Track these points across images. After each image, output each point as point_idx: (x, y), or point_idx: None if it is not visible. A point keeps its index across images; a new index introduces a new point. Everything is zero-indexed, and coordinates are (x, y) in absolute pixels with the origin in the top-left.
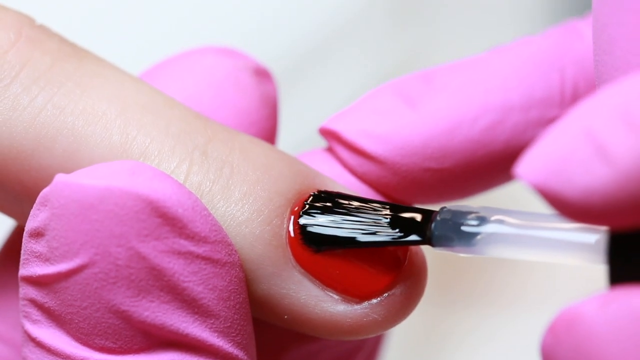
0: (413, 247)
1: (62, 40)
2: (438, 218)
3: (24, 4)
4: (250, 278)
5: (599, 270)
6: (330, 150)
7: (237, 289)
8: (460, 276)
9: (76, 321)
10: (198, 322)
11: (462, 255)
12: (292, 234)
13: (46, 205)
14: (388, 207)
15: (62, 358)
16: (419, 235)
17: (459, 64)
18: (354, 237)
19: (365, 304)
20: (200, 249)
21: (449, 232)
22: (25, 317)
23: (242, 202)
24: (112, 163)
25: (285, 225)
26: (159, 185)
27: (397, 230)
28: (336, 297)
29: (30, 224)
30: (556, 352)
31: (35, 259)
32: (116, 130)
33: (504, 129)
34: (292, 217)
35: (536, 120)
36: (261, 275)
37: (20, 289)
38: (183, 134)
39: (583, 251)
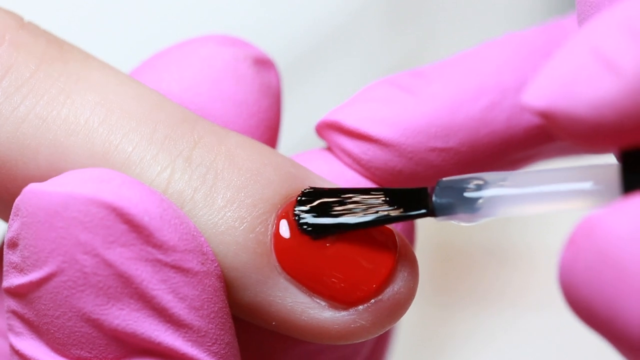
0: (402, 250)
1: (49, 41)
2: (437, 189)
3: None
4: (236, 286)
5: None
6: (328, 149)
7: (210, 298)
8: (460, 277)
9: (52, 331)
10: (170, 330)
11: (464, 224)
12: (283, 234)
13: (18, 215)
14: (382, 190)
15: None
16: (420, 208)
17: (448, 59)
18: (355, 221)
19: (352, 310)
20: (168, 258)
21: (450, 200)
22: (10, 329)
23: (225, 210)
24: (82, 170)
25: (269, 232)
26: (126, 192)
27: (395, 207)
28: (323, 303)
29: (7, 235)
30: (577, 262)
31: (12, 270)
32: (98, 139)
33: (503, 108)
34: (280, 221)
35: None
36: (246, 283)
37: (5, 302)
38: (167, 140)
39: (582, 197)
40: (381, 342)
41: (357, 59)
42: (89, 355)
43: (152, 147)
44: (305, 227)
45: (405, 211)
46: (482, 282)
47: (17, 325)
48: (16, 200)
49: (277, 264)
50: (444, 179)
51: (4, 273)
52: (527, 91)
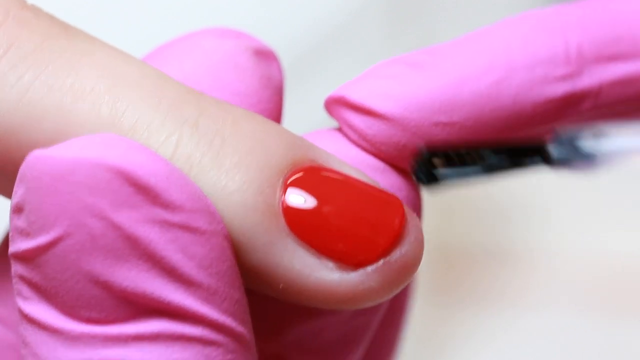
0: (409, 214)
1: (52, 20)
2: (555, 139)
3: None
4: (244, 248)
5: (600, 269)
6: (337, 130)
7: (219, 256)
8: (460, 277)
9: (61, 294)
10: (180, 290)
11: (581, 174)
12: (288, 202)
13: (22, 181)
14: (496, 141)
15: (52, 332)
16: (540, 156)
17: (464, 36)
18: (481, 167)
19: (361, 271)
20: (175, 217)
21: (569, 153)
22: (18, 294)
23: (234, 171)
24: (86, 136)
25: (278, 195)
26: (131, 155)
27: (514, 156)
28: (331, 265)
29: (13, 201)
30: None
31: (18, 235)
32: (105, 105)
33: (510, 84)
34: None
35: (542, 78)
36: (255, 244)
37: (13, 269)
38: (173, 108)
39: None
40: (393, 326)
41: (358, 58)
42: (99, 317)
43: (158, 115)
44: (423, 177)
45: (524, 159)
46: (482, 282)
47: (25, 289)
48: (21, 167)
49: (285, 225)
50: (562, 132)
51: (11, 238)
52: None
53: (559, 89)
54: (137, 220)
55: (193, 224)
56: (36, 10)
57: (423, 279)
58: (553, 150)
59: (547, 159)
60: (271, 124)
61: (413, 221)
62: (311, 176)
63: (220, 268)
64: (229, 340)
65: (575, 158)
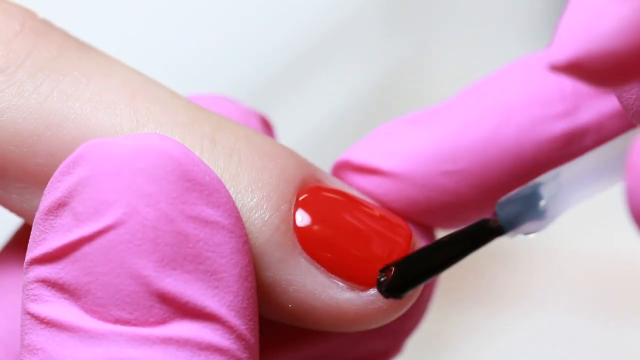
0: (415, 238)
1: (66, 34)
2: (497, 207)
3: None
4: (258, 264)
5: (600, 269)
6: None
7: (252, 271)
8: (461, 277)
9: (93, 291)
10: (217, 297)
11: (534, 234)
12: (298, 223)
13: (72, 173)
14: (449, 234)
15: (73, 332)
16: (488, 232)
17: (459, 93)
18: (436, 265)
19: (371, 291)
20: (225, 220)
21: (515, 209)
22: (34, 301)
23: (251, 187)
24: (140, 133)
25: (292, 211)
26: (188, 151)
27: (466, 240)
28: (342, 284)
29: (50, 198)
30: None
31: (53, 233)
32: (126, 117)
33: (509, 125)
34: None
35: (540, 117)
36: (268, 261)
37: (28, 275)
38: (191, 123)
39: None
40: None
41: (356, 60)
42: (130, 317)
43: (178, 128)
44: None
45: (476, 240)
46: (482, 282)
47: (46, 293)
48: (72, 156)
49: (297, 243)
50: (501, 199)
51: (35, 243)
52: (550, 51)
53: (558, 127)
54: (189, 217)
55: (238, 232)
56: (50, 23)
57: None
58: (500, 213)
59: (497, 227)
60: (279, 143)
61: (419, 245)
62: (318, 196)
63: (252, 283)
64: (247, 356)
65: (524, 215)
